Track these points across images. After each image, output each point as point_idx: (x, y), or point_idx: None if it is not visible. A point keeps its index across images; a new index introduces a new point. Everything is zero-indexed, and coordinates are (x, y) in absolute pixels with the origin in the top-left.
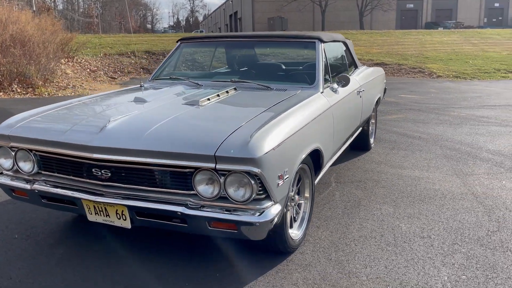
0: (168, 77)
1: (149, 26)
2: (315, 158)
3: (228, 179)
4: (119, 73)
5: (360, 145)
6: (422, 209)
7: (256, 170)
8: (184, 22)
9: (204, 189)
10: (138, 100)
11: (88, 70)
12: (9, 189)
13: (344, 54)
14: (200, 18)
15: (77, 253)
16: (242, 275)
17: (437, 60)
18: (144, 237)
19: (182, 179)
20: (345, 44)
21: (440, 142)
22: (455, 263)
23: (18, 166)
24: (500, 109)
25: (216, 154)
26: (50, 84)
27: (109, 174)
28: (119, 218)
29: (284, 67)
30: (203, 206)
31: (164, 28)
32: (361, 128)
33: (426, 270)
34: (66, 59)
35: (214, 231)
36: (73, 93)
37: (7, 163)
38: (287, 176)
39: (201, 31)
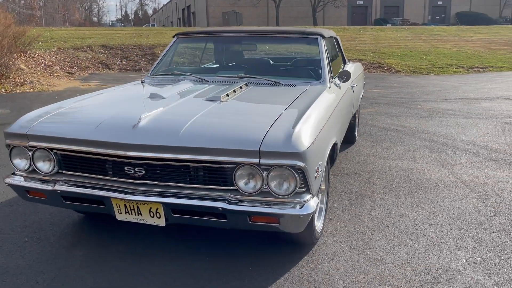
0: (170, 73)
1: (95, 19)
2: (331, 151)
3: (271, 174)
4: (76, 68)
5: (347, 137)
6: (421, 198)
7: (301, 164)
8: (133, 15)
9: (245, 184)
10: (154, 97)
11: (43, 65)
12: (24, 191)
13: (337, 50)
14: (150, 12)
15: (99, 255)
16: (274, 268)
17: (393, 56)
18: (165, 234)
19: (222, 174)
20: (336, 40)
21: (417, 134)
22: (468, 246)
23: (35, 166)
24: (461, 102)
25: (260, 149)
26: (6, 80)
27: (143, 172)
28: (153, 216)
29: (287, 62)
30: (241, 201)
31: (112, 21)
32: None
33: (444, 254)
34: (19, 54)
35: (253, 225)
36: (31, 89)
37: (22, 163)
38: (321, 169)
39: (153, 25)
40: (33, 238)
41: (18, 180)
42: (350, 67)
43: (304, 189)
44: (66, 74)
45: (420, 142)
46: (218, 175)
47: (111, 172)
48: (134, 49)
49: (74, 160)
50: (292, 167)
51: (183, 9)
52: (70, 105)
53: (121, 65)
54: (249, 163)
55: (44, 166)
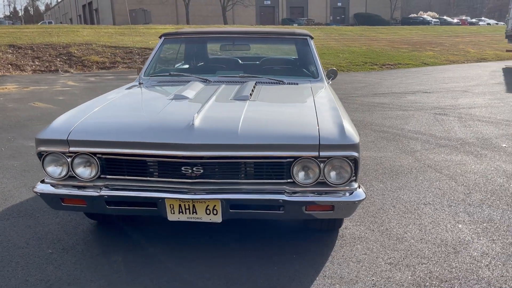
0: (167, 73)
1: None
2: None
3: (327, 165)
4: None
5: None
6: (404, 182)
7: (355, 154)
8: (23, 12)
9: (303, 176)
10: (179, 98)
11: None
12: (59, 199)
13: None
14: (42, 8)
15: (140, 258)
16: (315, 253)
17: None
18: (196, 231)
19: (279, 168)
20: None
21: (368, 126)
22: (464, 220)
23: (75, 173)
24: (390, 96)
25: (320, 143)
26: None
27: (201, 171)
28: (209, 214)
29: (281, 62)
30: (296, 192)
31: None
32: None
33: (449, 228)
34: None
35: (307, 214)
36: None
37: (58, 170)
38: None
39: (50, 22)
40: (56, 249)
41: (52, 189)
42: None
43: (354, 178)
44: None
45: (374, 134)
46: (275, 169)
47: (164, 173)
48: (47, 49)
49: (121, 164)
50: (348, 157)
51: (83, 6)
52: (94, 109)
53: (34, 66)
54: (308, 156)
55: (85, 172)
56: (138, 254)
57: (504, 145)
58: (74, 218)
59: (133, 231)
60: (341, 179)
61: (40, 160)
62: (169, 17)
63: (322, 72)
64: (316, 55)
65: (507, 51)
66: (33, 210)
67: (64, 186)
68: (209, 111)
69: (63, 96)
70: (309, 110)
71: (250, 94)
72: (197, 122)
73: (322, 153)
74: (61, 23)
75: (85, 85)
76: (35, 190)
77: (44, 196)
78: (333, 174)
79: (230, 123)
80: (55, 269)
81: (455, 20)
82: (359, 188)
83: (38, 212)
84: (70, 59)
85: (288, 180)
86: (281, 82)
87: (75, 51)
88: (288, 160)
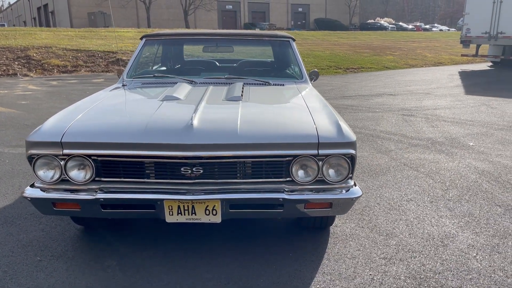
0: (151, 75)
1: None
2: None
3: (326, 163)
4: None
5: None
6: (384, 180)
7: (353, 151)
8: None
9: (302, 174)
10: (171, 98)
11: None
12: (50, 203)
13: None
14: None
15: (135, 262)
16: (311, 251)
17: None
18: (186, 234)
19: (279, 167)
20: None
21: None
22: (447, 215)
23: (68, 176)
24: (358, 99)
25: (319, 141)
26: None
27: (201, 171)
28: (208, 214)
29: (264, 63)
30: (296, 191)
31: None
32: None
33: (433, 223)
34: None
35: (306, 212)
36: None
37: (50, 174)
38: None
39: (2, 25)
40: (45, 256)
41: (43, 193)
42: None
43: (351, 175)
44: None
45: None
46: (274, 168)
47: (163, 174)
48: (3, 52)
49: (117, 166)
50: (345, 155)
51: (38, 8)
52: (84, 111)
53: None
54: (307, 155)
55: (79, 175)
56: (132, 258)
57: (471, 143)
58: (58, 224)
59: (124, 235)
60: (340, 177)
61: (31, 163)
62: (130, 20)
63: (305, 74)
64: (299, 57)
65: (462, 55)
66: (13, 217)
67: (56, 190)
68: (205, 112)
69: (26, 100)
70: (302, 110)
71: (241, 95)
72: (195, 122)
73: (321, 151)
74: (14, 25)
75: (48, 89)
76: (25, 195)
77: (35, 201)
78: (331, 171)
79: (229, 123)
80: (46, 276)
81: (410, 26)
82: (355, 185)
83: (19, 219)
84: (29, 62)
85: (287, 179)
86: (267, 83)
87: (34, 54)
88: (287, 159)
